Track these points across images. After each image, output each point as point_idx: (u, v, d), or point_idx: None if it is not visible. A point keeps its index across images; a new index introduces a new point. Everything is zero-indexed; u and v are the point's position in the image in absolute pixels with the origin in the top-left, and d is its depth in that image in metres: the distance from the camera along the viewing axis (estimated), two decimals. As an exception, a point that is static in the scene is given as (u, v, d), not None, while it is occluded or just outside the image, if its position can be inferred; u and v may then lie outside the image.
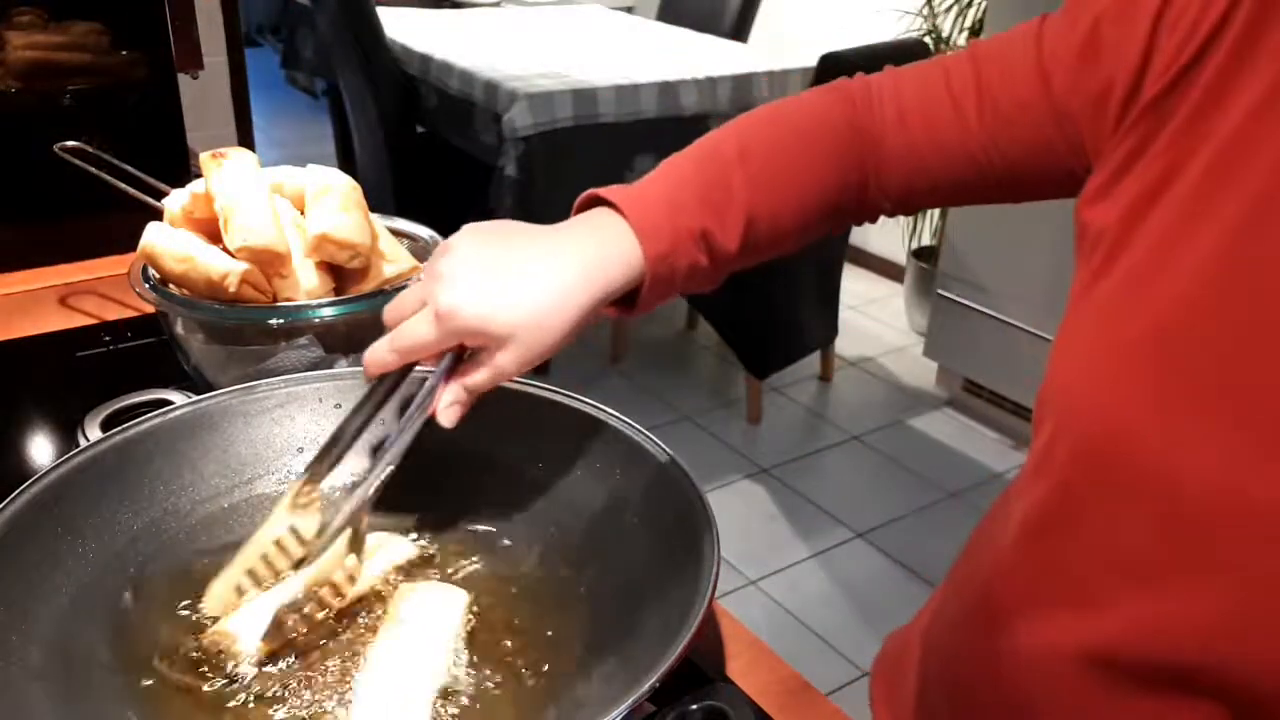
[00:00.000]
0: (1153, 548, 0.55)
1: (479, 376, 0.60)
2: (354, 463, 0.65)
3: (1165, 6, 0.56)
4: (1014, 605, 0.65)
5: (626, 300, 0.63)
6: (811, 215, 0.68)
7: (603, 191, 0.63)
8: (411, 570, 0.66)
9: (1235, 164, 0.52)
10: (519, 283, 0.59)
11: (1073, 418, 0.59)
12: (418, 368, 0.65)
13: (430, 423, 0.61)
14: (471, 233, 0.62)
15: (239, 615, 0.60)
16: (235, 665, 0.57)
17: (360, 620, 0.62)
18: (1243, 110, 0.53)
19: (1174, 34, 0.56)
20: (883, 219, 0.74)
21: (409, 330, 0.60)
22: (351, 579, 0.61)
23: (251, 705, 0.56)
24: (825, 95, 0.70)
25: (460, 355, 0.61)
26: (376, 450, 0.65)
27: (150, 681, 0.57)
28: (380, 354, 0.62)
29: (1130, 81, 0.58)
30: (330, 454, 0.64)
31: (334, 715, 0.55)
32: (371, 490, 0.60)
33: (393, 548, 0.67)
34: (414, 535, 0.69)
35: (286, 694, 0.56)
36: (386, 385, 0.64)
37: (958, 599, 0.76)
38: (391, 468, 0.60)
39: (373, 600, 0.63)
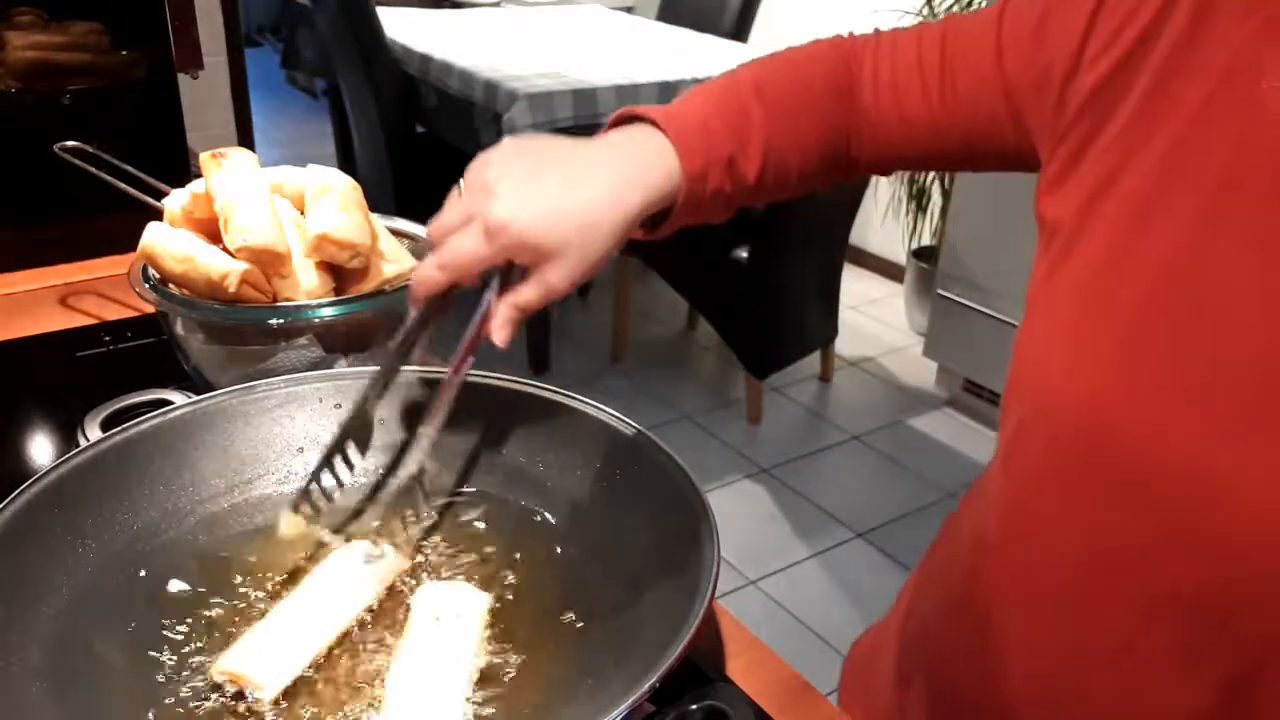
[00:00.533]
0: (1134, 532, 0.56)
1: (529, 295, 0.59)
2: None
3: None
4: (995, 598, 0.66)
5: (651, 223, 0.64)
6: (811, 160, 0.70)
7: (639, 110, 0.65)
8: (414, 572, 0.66)
9: (1189, 156, 0.54)
10: (568, 194, 0.58)
11: (1044, 408, 0.59)
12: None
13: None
14: (513, 145, 0.61)
15: (243, 652, 0.58)
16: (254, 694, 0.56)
17: (382, 622, 0.62)
18: (1193, 103, 0.54)
19: (1110, 21, 0.58)
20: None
21: (457, 247, 0.59)
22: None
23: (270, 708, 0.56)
24: (827, 49, 0.72)
25: (507, 273, 0.60)
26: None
27: (151, 681, 0.57)
28: (428, 273, 0.60)
29: (1067, 65, 0.60)
30: (383, 381, 0.67)
31: (367, 715, 0.55)
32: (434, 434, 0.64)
33: (382, 564, 0.66)
34: (413, 535, 0.69)
35: (313, 697, 0.56)
36: (432, 308, 0.64)
37: (935, 590, 0.76)
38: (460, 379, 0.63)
39: (392, 603, 0.63)
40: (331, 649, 0.59)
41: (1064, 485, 0.59)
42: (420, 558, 0.67)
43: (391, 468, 0.72)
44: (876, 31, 0.73)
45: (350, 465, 0.68)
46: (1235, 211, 0.52)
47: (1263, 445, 0.50)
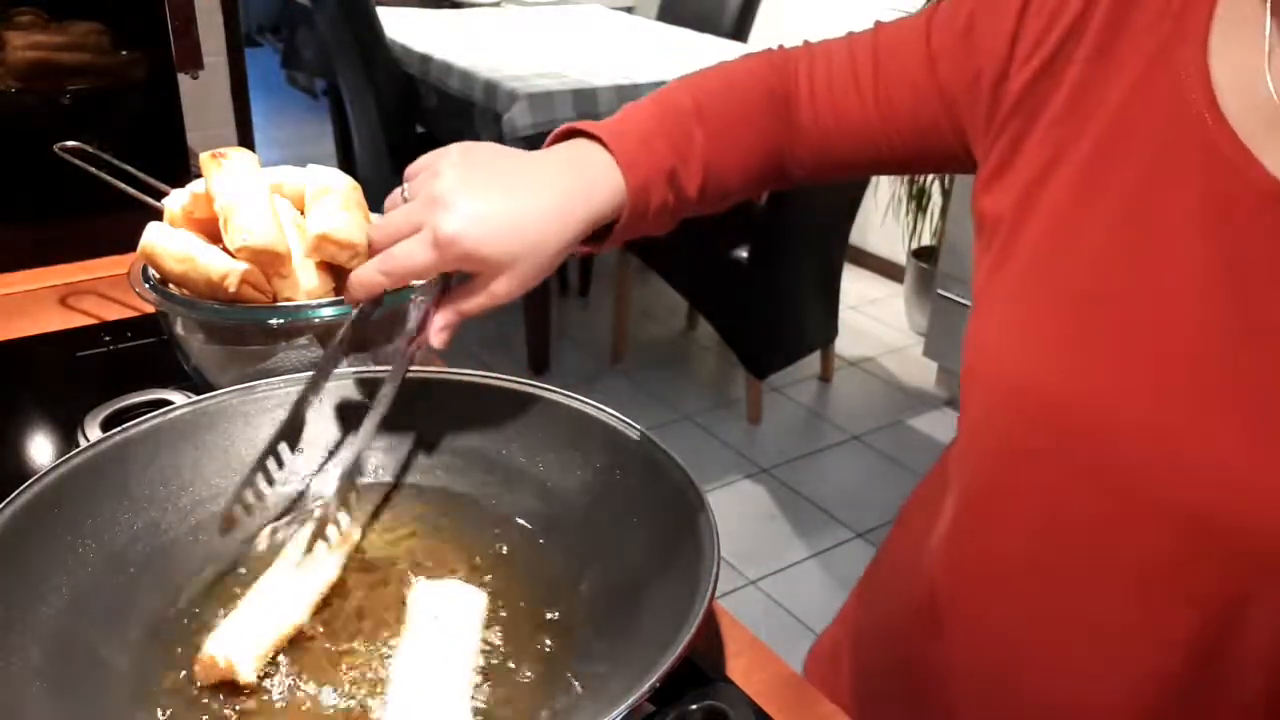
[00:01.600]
0: (1095, 503, 0.58)
1: (474, 304, 0.60)
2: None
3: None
4: (958, 584, 0.68)
5: (595, 236, 0.65)
6: (750, 175, 0.71)
7: (582, 125, 0.65)
8: (411, 571, 0.66)
9: (1117, 147, 0.57)
10: (518, 208, 0.59)
11: (1003, 395, 0.62)
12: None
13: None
14: (461, 154, 0.61)
15: (223, 636, 0.58)
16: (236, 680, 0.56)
17: (382, 616, 0.62)
18: (1117, 97, 0.57)
19: (1036, 22, 0.61)
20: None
21: (404, 254, 0.59)
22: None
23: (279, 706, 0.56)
24: (760, 65, 0.73)
25: (447, 278, 0.61)
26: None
27: (151, 682, 0.57)
28: (370, 277, 0.61)
29: (998, 67, 0.63)
30: (319, 386, 0.67)
31: (370, 710, 0.55)
32: (379, 418, 0.63)
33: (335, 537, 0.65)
34: (413, 533, 0.69)
35: (314, 699, 0.56)
36: (369, 307, 0.65)
37: (891, 589, 0.79)
38: (394, 390, 0.63)
39: (391, 599, 0.63)
40: (329, 650, 0.59)
41: (1026, 467, 0.61)
42: (416, 559, 0.67)
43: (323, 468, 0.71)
44: (806, 44, 0.74)
45: (281, 464, 0.67)
46: (1163, 197, 0.55)
47: (1211, 413, 0.53)
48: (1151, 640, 0.58)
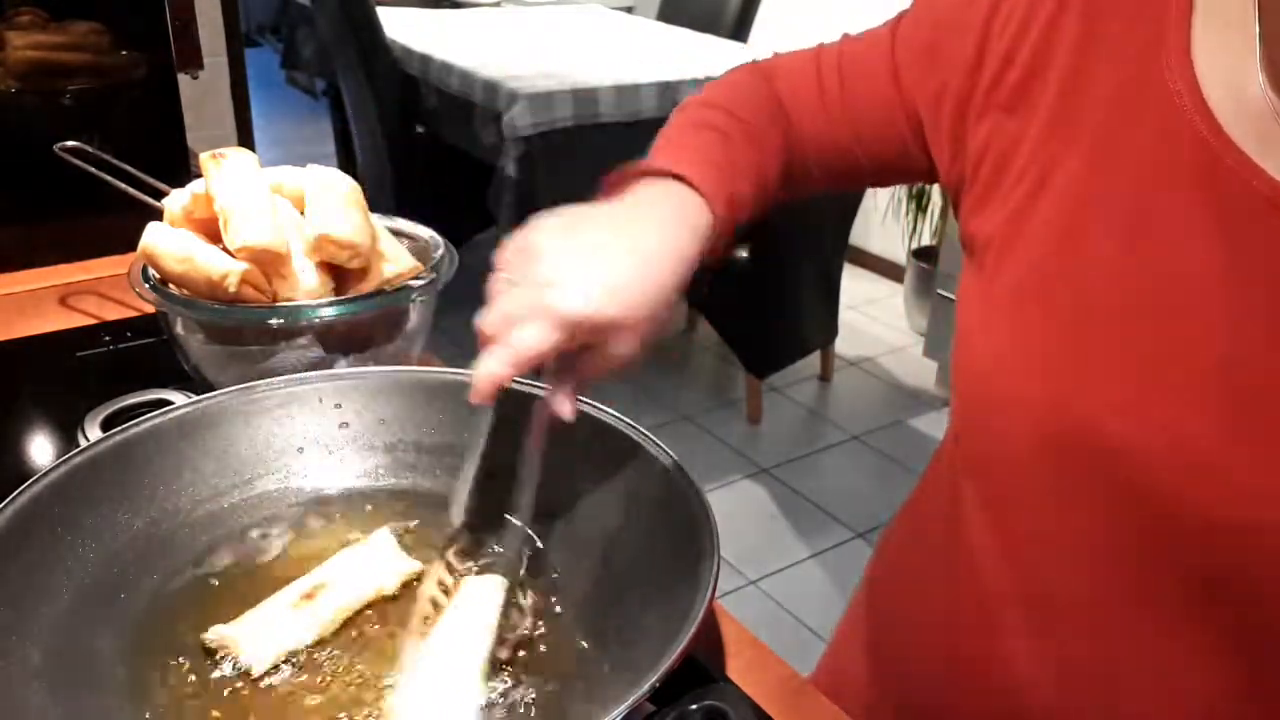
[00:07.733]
0: (1131, 521, 0.56)
1: (597, 370, 0.59)
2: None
3: (993, 15, 0.61)
4: (993, 617, 0.65)
5: None
6: (770, 187, 0.70)
7: (660, 164, 0.64)
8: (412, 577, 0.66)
9: (1112, 159, 0.56)
10: (634, 270, 0.57)
11: (1024, 412, 0.60)
12: None
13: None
14: (555, 228, 0.59)
15: (245, 623, 0.60)
16: (236, 666, 0.58)
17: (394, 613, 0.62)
18: (1103, 110, 0.56)
19: (1001, 41, 0.60)
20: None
21: (527, 341, 0.56)
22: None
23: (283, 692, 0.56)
24: (752, 78, 0.73)
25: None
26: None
27: (151, 682, 0.57)
28: (498, 370, 0.56)
29: (963, 85, 0.62)
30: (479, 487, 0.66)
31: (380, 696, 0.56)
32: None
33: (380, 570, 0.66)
34: (413, 533, 0.69)
35: (317, 680, 0.56)
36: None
37: (893, 625, 0.77)
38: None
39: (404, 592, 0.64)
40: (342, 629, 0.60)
41: (1060, 485, 0.59)
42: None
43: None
44: (775, 55, 0.74)
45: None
46: (1164, 207, 0.54)
47: (1243, 425, 0.51)
48: (1203, 660, 0.56)
